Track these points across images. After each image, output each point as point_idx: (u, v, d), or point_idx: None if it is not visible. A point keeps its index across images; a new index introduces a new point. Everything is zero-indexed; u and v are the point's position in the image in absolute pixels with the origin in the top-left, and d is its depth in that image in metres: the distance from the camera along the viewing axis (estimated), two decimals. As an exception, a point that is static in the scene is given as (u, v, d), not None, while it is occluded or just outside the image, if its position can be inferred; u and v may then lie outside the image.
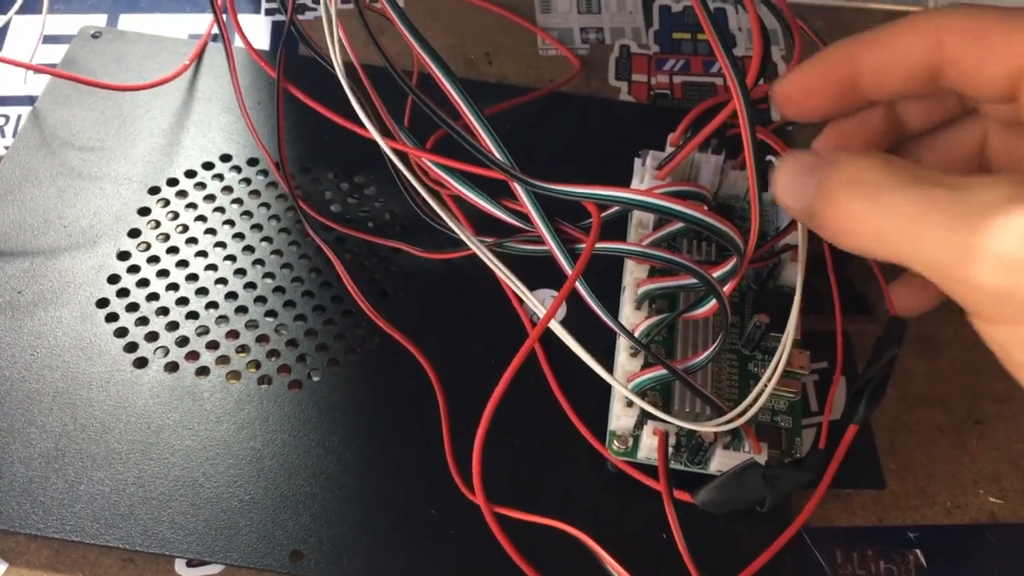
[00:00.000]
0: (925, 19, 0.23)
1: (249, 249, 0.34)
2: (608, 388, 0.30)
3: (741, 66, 0.24)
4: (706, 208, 0.27)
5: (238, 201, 0.35)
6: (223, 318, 0.32)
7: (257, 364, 0.31)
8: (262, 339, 0.32)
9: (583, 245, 0.28)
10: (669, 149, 0.33)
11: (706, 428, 0.27)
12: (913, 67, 0.24)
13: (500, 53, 0.42)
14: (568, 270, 0.27)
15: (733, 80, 0.24)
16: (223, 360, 0.31)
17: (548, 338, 0.32)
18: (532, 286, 0.29)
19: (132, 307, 0.32)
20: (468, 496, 0.28)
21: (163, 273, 0.33)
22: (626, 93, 0.41)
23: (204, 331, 0.32)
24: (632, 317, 0.30)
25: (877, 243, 0.20)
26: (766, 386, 0.27)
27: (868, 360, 0.27)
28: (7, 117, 0.38)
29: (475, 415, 0.30)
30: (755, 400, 0.27)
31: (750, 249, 0.27)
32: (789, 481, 0.26)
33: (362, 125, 0.28)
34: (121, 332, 0.32)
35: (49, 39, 0.40)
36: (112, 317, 0.32)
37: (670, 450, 0.28)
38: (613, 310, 0.29)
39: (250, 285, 0.33)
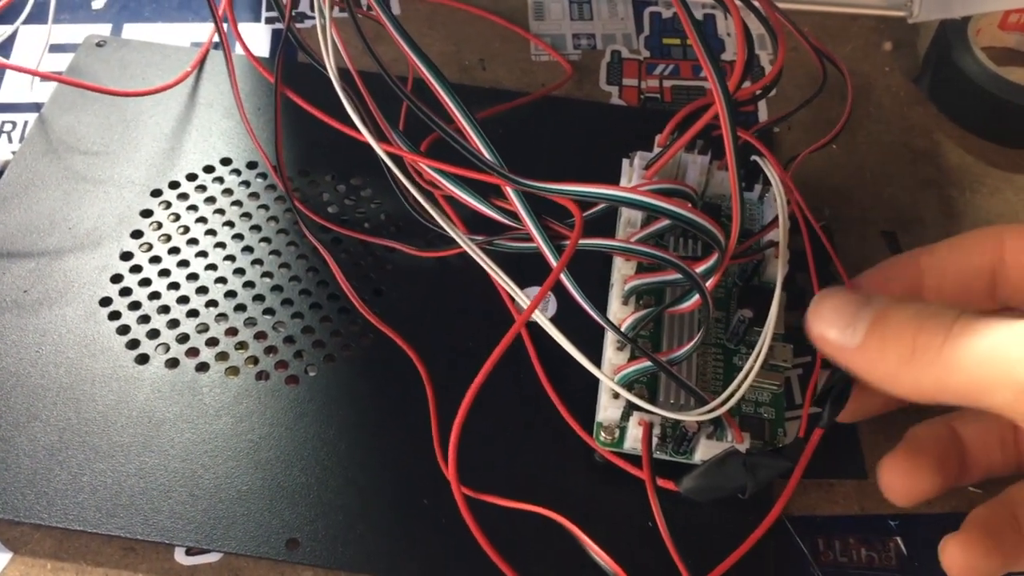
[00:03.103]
0: (991, 231, 0.25)
1: (248, 249, 0.35)
2: (596, 381, 0.31)
3: (724, 70, 0.25)
4: (690, 205, 0.28)
5: (238, 203, 0.36)
6: (222, 316, 0.33)
7: (255, 360, 0.32)
8: (260, 336, 0.33)
9: (568, 243, 0.29)
10: (657, 150, 0.34)
11: (689, 417, 0.28)
12: (973, 273, 0.25)
13: (494, 59, 0.43)
14: (554, 265, 0.28)
15: (715, 83, 0.25)
16: (222, 356, 0.32)
17: (537, 333, 0.33)
18: (523, 284, 0.30)
19: (134, 305, 0.33)
20: (446, 473, 0.29)
21: (164, 273, 0.34)
22: (617, 97, 0.42)
23: (204, 328, 0.33)
24: (619, 312, 0.31)
25: (939, 394, 0.21)
26: (747, 376, 0.28)
27: (831, 366, 0.27)
28: (14, 123, 0.39)
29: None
30: (736, 389, 0.28)
31: (731, 245, 0.28)
32: (769, 469, 0.27)
33: (358, 130, 0.29)
34: (123, 329, 0.32)
35: (55, 48, 0.42)
36: (115, 315, 0.33)
37: (655, 440, 0.29)
38: (602, 306, 0.30)
39: (249, 284, 0.34)
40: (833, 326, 0.23)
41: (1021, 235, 0.24)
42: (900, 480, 0.27)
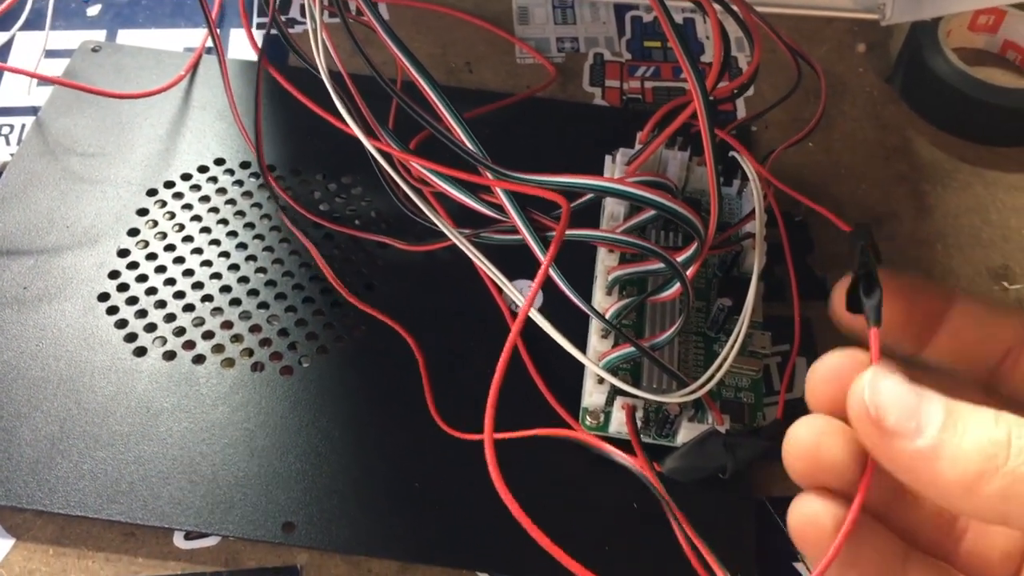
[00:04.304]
0: None
1: (242, 246, 0.36)
2: (581, 370, 0.32)
3: (703, 70, 0.27)
4: (670, 196, 0.29)
5: (231, 202, 0.37)
6: (218, 310, 0.34)
7: (250, 352, 0.33)
8: (255, 329, 0.34)
9: (555, 233, 0.30)
10: (638, 146, 0.35)
11: (670, 399, 0.29)
12: (992, 344, 0.22)
13: (480, 62, 0.44)
14: (540, 255, 0.29)
15: (693, 80, 0.26)
16: (218, 348, 0.33)
17: (525, 323, 0.34)
18: (510, 275, 0.31)
19: (132, 300, 0.34)
20: (452, 433, 0.31)
21: (161, 269, 0.35)
22: (600, 98, 0.43)
23: (200, 322, 0.34)
24: (603, 301, 0.32)
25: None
26: (726, 359, 0.29)
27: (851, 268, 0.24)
28: (12, 126, 0.40)
29: (457, 393, 0.32)
30: (716, 372, 0.29)
31: (710, 234, 0.29)
32: (748, 449, 0.28)
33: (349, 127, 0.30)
34: (121, 323, 0.33)
35: (51, 53, 0.42)
36: (113, 310, 0.34)
37: (639, 423, 0.30)
38: (586, 297, 0.31)
39: (243, 279, 0.35)
40: (892, 413, 0.19)
41: None
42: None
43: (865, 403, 0.19)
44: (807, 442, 0.20)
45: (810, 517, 0.20)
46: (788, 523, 0.20)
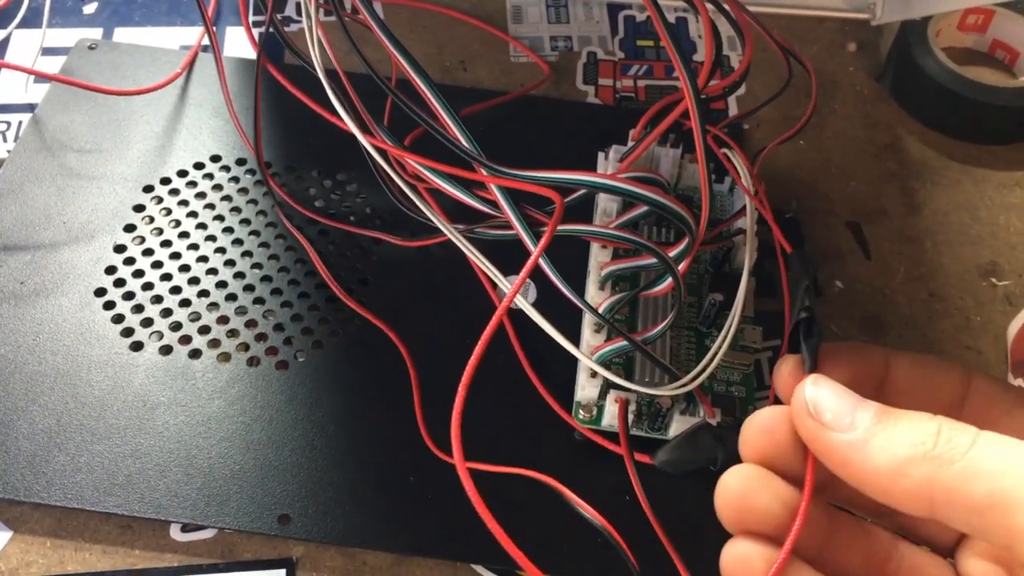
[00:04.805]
0: (958, 368, 0.23)
1: (238, 242, 0.36)
2: (574, 364, 0.32)
3: (695, 68, 0.27)
4: (662, 191, 0.29)
5: (227, 198, 0.37)
6: (214, 305, 0.34)
7: (246, 346, 0.33)
8: (250, 324, 0.34)
9: (547, 227, 0.30)
10: (631, 143, 0.35)
11: (662, 392, 0.29)
12: (935, 401, 0.22)
13: (474, 61, 0.44)
14: (533, 249, 0.29)
15: (684, 78, 0.27)
16: (214, 343, 0.33)
17: (518, 318, 0.34)
18: (504, 270, 0.31)
19: (128, 295, 0.34)
20: (442, 457, 0.30)
21: (157, 264, 0.35)
22: (593, 96, 0.43)
23: (196, 317, 0.34)
24: (596, 296, 0.32)
25: (945, 503, 0.18)
26: (717, 352, 0.29)
27: (790, 307, 0.26)
28: (9, 123, 0.40)
29: (450, 389, 0.33)
30: (707, 365, 0.29)
31: (702, 229, 0.30)
32: (738, 441, 0.29)
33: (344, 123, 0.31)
34: (118, 318, 0.34)
35: (48, 51, 0.43)
36: (109, 305, 0.34)
37: (631, 417, 0.31)
38: (580, 291, 0.31)
39: (239, 275, 0.35)
40: (829, 410, 0.20)
41: (988, 382, 0.22)
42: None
43: (805, 400, 0.20)
44: (736, 490, 0.21)
45: (742, 558, 0.21)
46: (721, 564, 0.21)
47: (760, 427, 0.22)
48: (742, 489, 0.21)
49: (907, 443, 0.19)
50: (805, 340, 0.23)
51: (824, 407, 0.20)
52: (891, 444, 0.19)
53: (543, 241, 0.28)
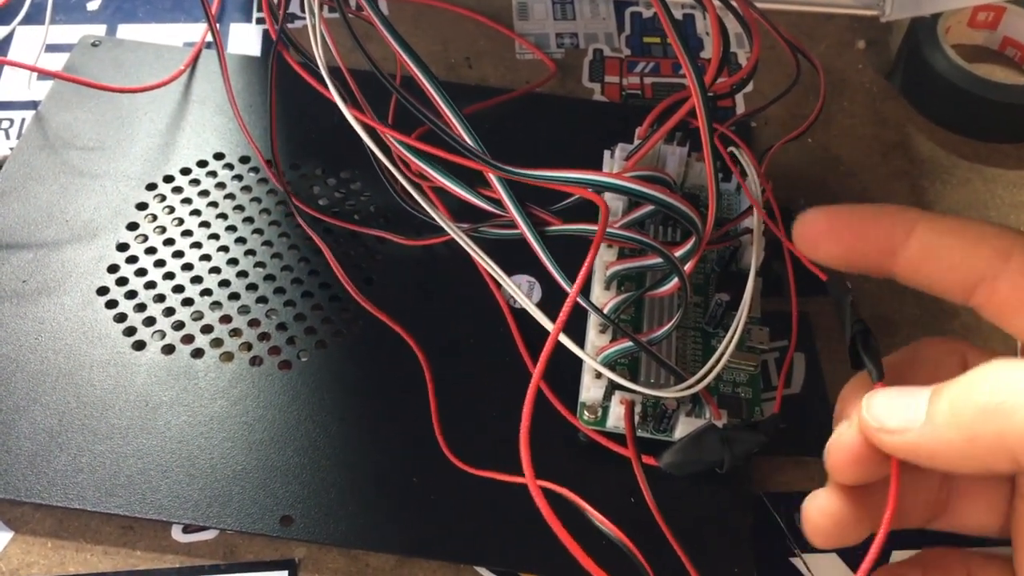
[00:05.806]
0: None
1: (241, 240, 0.36)
2: (579, 365, 0.32)
3: (702, 65, 0.27)
4: (668, 190, 0.29)
5: (230, 196, 0.37)
6: (216, 304, 0.34)
7: (249, 346, 0.33)
8: (253, 323, 0.34)
9: (553, 228, 0.30)
10: (637, 142, 0.35)
11: (668, 394, 0.29)
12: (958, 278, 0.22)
13: (480, 58, 0.44)
14: (538, 249, 0.29)
15: (691, 75, 0.26)
16: (217, 343, 0.33)
17: (523, 318, 0.34)
18: (509, 271, 0.31)
19: (131, 294, 0.34)
20: (459, 465, 0.30)
21: (160, 263, 0.35)
22: (599, 94, 0.43)
23: (199, 316, 0.34)
24: (602, 296, 0.32)
25: None
26: (723, 354, 0.29)
27: (843, 326, 0.26)
28: (12, 120, 0.40)
29: (454, 391, 0.33)
30: (714, 367, 0.29)
31: (708, 228, 0.29)
32: (745, 443, 0.28)
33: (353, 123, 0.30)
34: (120, 317, 0.33)
35: (51, 48, 0.43)
36: (112, 304, 0.34)
37: (636, 418, 0.30)
38: (585, 291, 0.31)
39: (242, 273, 0.35)
40: (892, 417, 0.21)
41: None
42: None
43: (868, 420, 0.21)
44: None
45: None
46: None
47: (846, 458, 0.22)
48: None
49: (969, 407, 0.19)
50: (865, 352, 0.24)
51: (884, 417, 0.21)
52: (955, 417, 0.19)
53: (590, 257, 0.27)
